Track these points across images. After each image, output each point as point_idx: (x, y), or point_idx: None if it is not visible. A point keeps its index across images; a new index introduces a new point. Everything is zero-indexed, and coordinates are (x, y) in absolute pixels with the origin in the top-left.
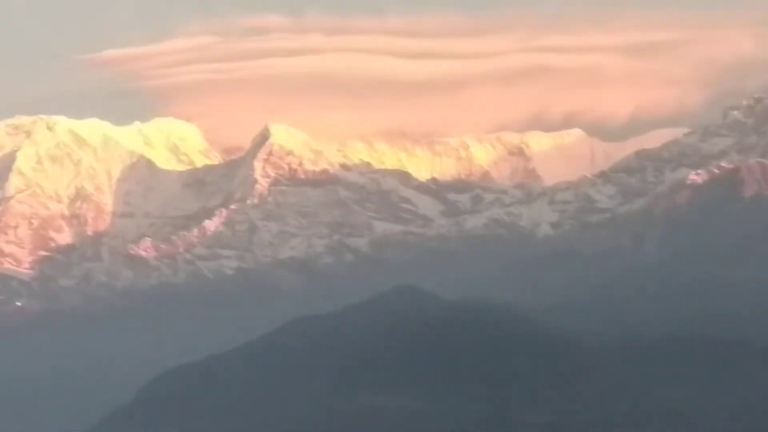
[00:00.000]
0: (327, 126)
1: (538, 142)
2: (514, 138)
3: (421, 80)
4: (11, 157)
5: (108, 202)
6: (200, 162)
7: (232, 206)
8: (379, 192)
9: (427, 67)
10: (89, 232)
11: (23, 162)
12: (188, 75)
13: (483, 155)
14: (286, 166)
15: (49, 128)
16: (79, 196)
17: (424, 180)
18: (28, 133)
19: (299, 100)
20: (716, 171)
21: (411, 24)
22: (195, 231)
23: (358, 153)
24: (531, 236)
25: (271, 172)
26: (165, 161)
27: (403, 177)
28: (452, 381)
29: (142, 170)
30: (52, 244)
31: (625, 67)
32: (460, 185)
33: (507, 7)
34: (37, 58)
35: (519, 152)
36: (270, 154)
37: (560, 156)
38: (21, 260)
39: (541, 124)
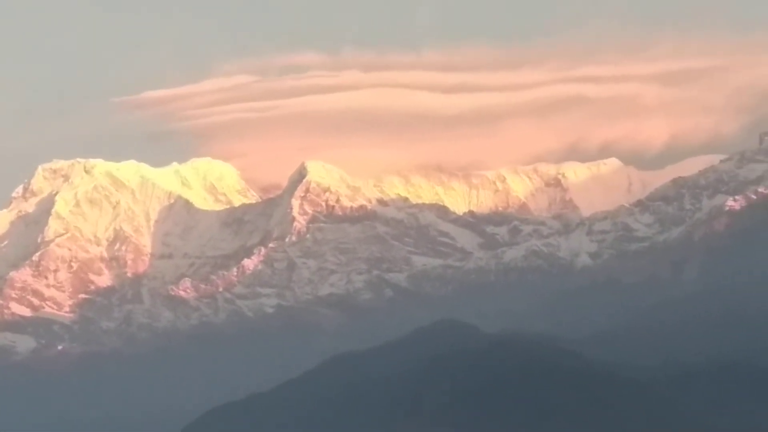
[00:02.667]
0: (364, 162)
1: (575, 173)
2: (550, 169)
3: (457, 114)
4: (50, 201)
5: (147, 243)
6: (238, 201)
7: (271, 245)
8: (417, 226)
9: (462, 101)
10: (129, 274)
11: (62, 206)
12: (225, 115)
13: (520, 187)
14: (323, 203)
15: (87, 171)
16: (118, 238)
17: (461, 213)
18: (66, 177)
19: (336, 137)
20: (753, 197)
21: (446, 58)
22: (234, 270)
23: (395, 188)
24: (570, 267)
25: (309, 210)
26: (203, 201)
27: (441, 211)
28: (494, 414)
29: (180, 211)
30: (92, 287)
31: (661, 95)
32: (497, 218)
33: (542, 39)
34: (74, 101)
35: (556, 183)
36: (307, 191)
37: (597, 186)
38: (62, 304)
39: (578, 154)
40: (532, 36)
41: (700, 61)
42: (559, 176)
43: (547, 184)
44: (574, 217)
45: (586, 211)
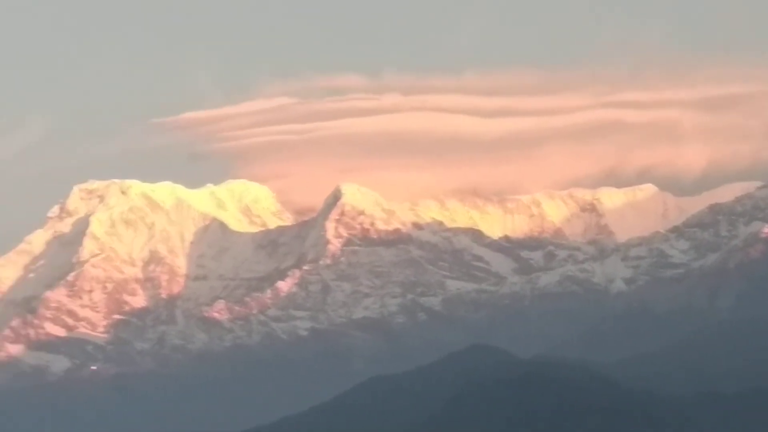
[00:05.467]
0: (399, 185)
1: (610, 198)
2: (586, 194)
3: (495, 138)
4: (85, 222)
5: (181, 264)
6: (273, 223)
7: (305, 267)
8: (452, 250)
9: (501, 125)
10: (163, 295)
11: (97, 226)
12: (264, 136)
13: (555, 212)
14: (358, 226)
15: (123, 192)
16: (153, 259)
17: (496, 238)
18: (102, 198)
19: (372, 159)
20: None
21: (487, 82)
22: (268, 292)
23: (430, 212)
24: (605, 293)
25: (344, 233)
26: (237, 223)
27: (476, 235)
28: None
29: (215, 232)
30: (127, 308)
31: (700, 122)
32: (532, 242)
33: (583, 63)
34: (114, 122)
35: (591, 208)
36: (342, 214)
37: (633, 211)
38: (96, 324)
39: (614, 179)
40: (573, 61)
41: (740, 87)
42: (595, 201)
43: (583, 209)
44: (609, 242)
45: (621, 236)
